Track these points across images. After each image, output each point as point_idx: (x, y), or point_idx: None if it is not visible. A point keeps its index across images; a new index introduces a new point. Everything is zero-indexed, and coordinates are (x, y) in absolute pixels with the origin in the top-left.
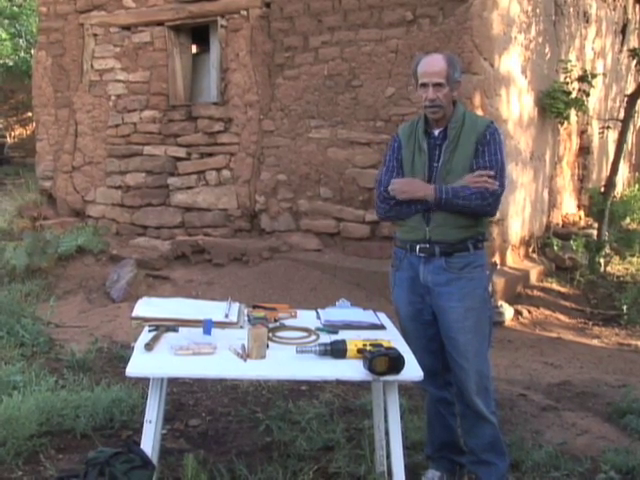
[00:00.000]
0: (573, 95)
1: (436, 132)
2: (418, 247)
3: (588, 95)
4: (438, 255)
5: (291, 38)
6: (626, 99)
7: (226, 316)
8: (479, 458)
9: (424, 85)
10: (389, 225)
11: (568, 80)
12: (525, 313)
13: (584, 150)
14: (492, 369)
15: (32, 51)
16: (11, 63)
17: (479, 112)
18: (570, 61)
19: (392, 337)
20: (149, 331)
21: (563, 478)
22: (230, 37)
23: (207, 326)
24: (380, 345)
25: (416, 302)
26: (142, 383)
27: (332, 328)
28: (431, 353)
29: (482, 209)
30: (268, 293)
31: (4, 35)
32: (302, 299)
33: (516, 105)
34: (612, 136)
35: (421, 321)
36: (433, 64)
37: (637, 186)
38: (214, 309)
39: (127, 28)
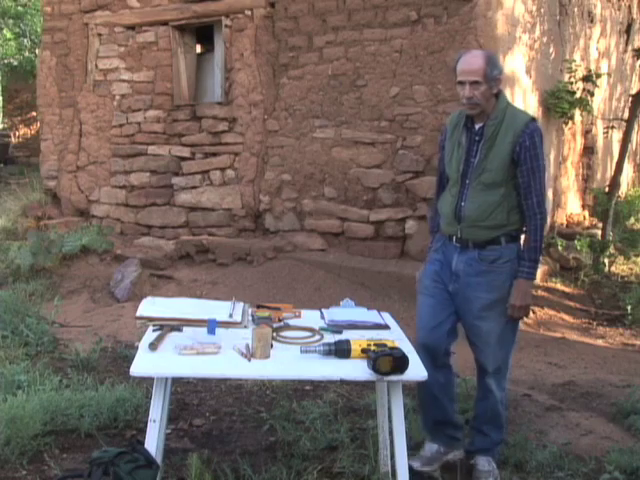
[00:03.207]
0: (577, 95)
1: (477, 127)
2: (454, 238)
3: (592, 95)
4: (472, 247)
5: (295, 38)
6: (630, 99)
7: (230, 316)
8: (479, 427)
9: (461, 83)
10: (393, 225)
11: (572, 80)
12: (529, 313)
13: (588, 150)
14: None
15: (36, 51)
16: (16, 63)
17: None
18: (575, 61)
19: (396, 337)
20: (153, 331)
21: (567, 478)
22: (234, 37)
23: (211, 326)
24: (384, 345)
25: (440, 282)
26: (146, 383)
27: (336, 328)
28: (439, 334)
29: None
30: (272, 293)
31: (9, 35)
32: (306, 299)
33: (520, 105)
34: (617, 136)
35: (440, 300)
36: (471, 62)
37: None
38: (218, 309)
39: (131, 28)
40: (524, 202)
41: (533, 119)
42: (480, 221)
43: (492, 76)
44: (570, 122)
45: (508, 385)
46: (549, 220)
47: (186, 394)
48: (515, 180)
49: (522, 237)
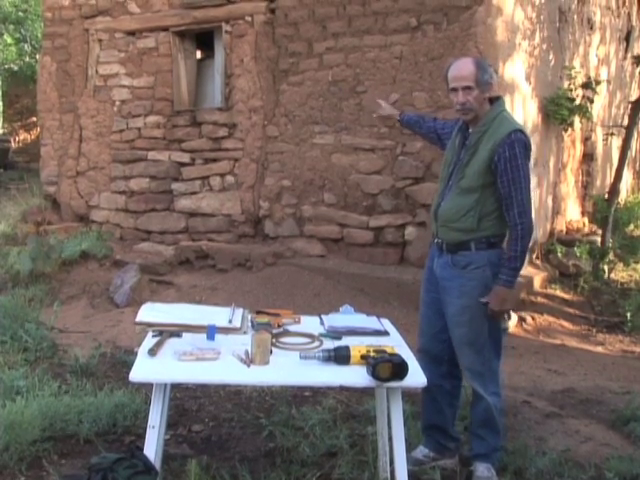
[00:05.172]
0: (577, 102)
1: (469, 131)
2: (435, 240)
3: (592, 102)
4: (445, 251)
5: (296, 44)
6: (630, 106)
7: (230, 322)
8: (476, 432)
9: (454, 89)
10: (393, 231)
11: (572, 87)
12: (529, 320)
13: (588, 157)
14: (494, 360)
15: (37, 56)
16: (16, 68)
17: None
18: (574, 68)
19: (396, 343)
20: (153, 336)
21: None
22: (235, 43)
23: (211, 332)
24: (384, 351)
25: (431, 290)
26: (145, 388)
27: (336, 334)
28: (440, 342)
29: (532, 235)
30: (272, 299)
31: (9, 40)
32: (306, 305)
33: (520, 112)
34: (616, 143)
35: (435, 309)
36: (461, 68)
37: None
38: (218, 314)
39: (132, 33)
40: (506, 213)
41: (518, 130)
42: (451, 222)
43: (483, 80)
44: (570, 129)
45: (507, 392)
46: (548, 227)
47: (185, 400)
48: (492, 187)
49: (504, 245)
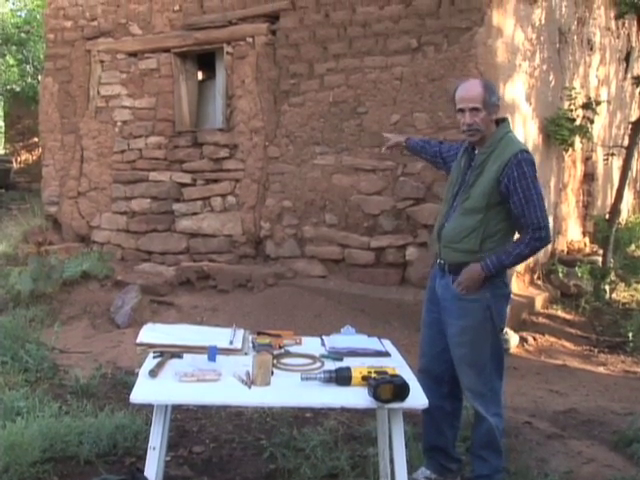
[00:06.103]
0: (577, 122)
1: (475, 153)
2: (438, 261)
3: (592, 122)
4: (447, 272)
5: (297, 65)
6: (630, 126)
7: (231, 343)
8: (477, 453)
9: (461, 110)
10: (394, 252)
11: (572, 107)
12: (530, 340)
13: (589, 177)
14: (496, 381)
15: (39, 77)
16: (18, 89)
17: None
18: (574, 88)
19: (397, 364)
20: (154, 357)
21: None
22: (236, 64)
23: (211, 353)
24: (385, 372)
25: (433, 311)
26: (146, 409)
27: (337, 355)
28: (442, 362)
29: (538, 251)
30: (273, 319)
31: (12, 61)
32: (307, 326)
33: (521, 132)
34: (617, 163)
35: (436, 330)
36: (469, 89)
37: None
38: (219, 335)
39: (133, 55)
40: (521, 230)
41: (524, 150)
42: (453, 243)
43: (491, 102)
44: (570, 149)
45: (509, 412)
46: (550, 247)
47: (186, 421)
48: (496, 209)
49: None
